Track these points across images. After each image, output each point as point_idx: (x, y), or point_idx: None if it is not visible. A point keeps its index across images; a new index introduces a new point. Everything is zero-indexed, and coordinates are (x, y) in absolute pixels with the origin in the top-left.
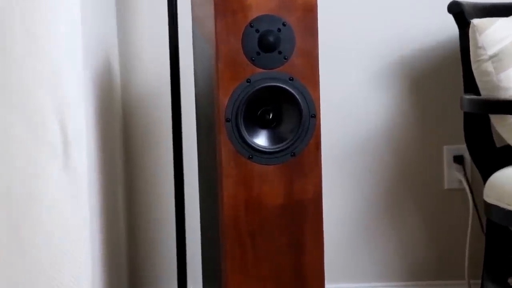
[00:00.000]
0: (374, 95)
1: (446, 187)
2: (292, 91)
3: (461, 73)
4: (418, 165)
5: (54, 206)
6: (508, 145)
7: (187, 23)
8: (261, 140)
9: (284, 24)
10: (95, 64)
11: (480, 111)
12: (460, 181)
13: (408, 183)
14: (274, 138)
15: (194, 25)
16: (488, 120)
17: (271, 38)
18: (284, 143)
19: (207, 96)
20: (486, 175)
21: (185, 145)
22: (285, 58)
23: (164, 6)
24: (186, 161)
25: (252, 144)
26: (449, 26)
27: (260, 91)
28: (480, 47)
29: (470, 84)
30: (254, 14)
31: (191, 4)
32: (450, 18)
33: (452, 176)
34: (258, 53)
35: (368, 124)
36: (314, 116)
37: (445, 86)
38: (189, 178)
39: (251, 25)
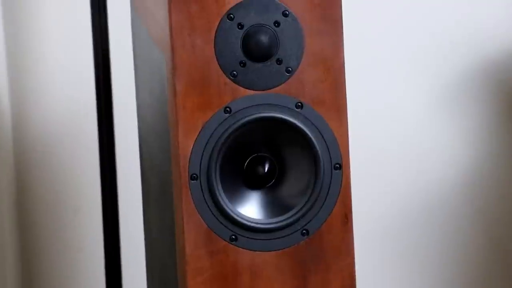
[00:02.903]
0: (443, 126)
1: None
2: (301, 126)
3: None
4: None
5: None
6: None
7: (123, 11)
8: (250, 209)
9: (285, 14)
10: None
11: None
12: None
13: (505, 269)
14: (273, 206)
15: (134, 15)
16: None
17: (264, 38)
18: (290, 213)
19: (158, 136)
20: None
21: (123, 217)
22: (288, 71)
23: None
24: (126, 245)
25: (236, 217)
26: None
27: (247, 127)
28: None
29: None
30: None
31: None
32: None
33: None
34: (243, 64)
35: (434, 176)
36: (340, 167)
37: None
38: (130, 273)
39: (229, 16)
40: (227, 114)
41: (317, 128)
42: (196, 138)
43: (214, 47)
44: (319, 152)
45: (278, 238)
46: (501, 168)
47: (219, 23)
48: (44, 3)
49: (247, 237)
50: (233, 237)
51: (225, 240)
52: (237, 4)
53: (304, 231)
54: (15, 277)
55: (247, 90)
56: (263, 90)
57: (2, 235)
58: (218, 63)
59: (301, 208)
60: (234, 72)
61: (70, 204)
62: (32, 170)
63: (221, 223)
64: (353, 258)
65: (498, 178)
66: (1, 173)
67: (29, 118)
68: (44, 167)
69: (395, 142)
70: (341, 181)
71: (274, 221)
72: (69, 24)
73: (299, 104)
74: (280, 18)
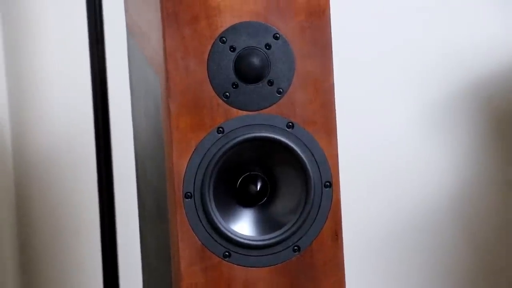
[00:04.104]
0: (431, 145)
1: None
2: (292, 145)
3: None
4: (508, 251)
5: None
6: None
7: (119, 36)
8: (243, 226)
9: (276, 37)
10: None
11: None
12: None
13: (494, 281)
14: (265, 223)
15: (130, 39)
16: None
17: (255, 60)
18: (282, 230)
19: (153, 156)
20: None
21: (120, 235)
22: (279, 92)
23: (79, 8)
24: (123, 262)
25: (229, 234)
26: None
27: (240, 146)
28: None
29: None
30: (227, 21)
31: (124, 6)
32: None
33: None
34: (235, 85)
35: (423, 193)
36: (330, 185)
37: None
38: (127, 287)
39: (222, 39)
40: (220, 134)
41: (308, 148)
42: (190, 158)
43: (207, 69)
44: (310, 170)
45: (270, 254)
46: (487, 181)
47: (212, 46)
48: (44, 22)
49: (240, 254)
50: (227, 253)
51: (218, 256)
52: (229, 28)
53: (295, 248)
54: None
55: (239, 111)
56: (255, 111)
57: (1, 242)
58: (211, 85)
59: (292, 225)
60: (227, 94)
61: (68, 222)
62: (34, 199)
63: (214, 240)
64: (344, 274)
65: (485, 191)
66: (1, 181)
67: (30, 141)
68: (42, 178)
69: (384, 160)
70: (331, 198)
71: (266, 238)
72: (68, 46)
73: (290, 124)
74: (271, 41)
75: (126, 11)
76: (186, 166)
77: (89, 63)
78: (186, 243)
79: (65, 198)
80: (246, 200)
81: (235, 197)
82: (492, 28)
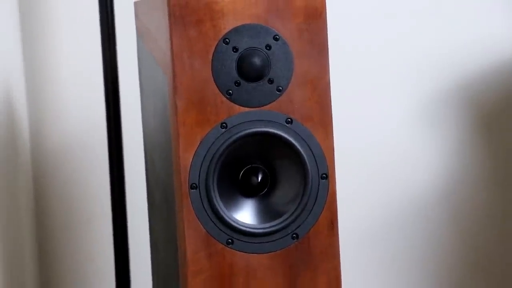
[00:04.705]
0: (421, 140)
1: None
2: (291, 139)
3: None
4: (495, 245)
5: None
6: None
7: (130, 38)
8: (245, 215)
9: (276, 38)
10: None
11: None
12: None
13: (483, 275)
14: (266, 212)
15: (139, 41)
16: None
17: (256, 60)
18: (281, 219)
19: (161, 149)
20: None
21: (131, 223)
22: (278, 90)
23: (92, 13)
24: (133, 249)
25: (232, 222)
26: None
27: (242, 141)
28: None
29: None
30: (229, 23)
31: (135, 11)
32: None
33: None
34: (238, 83)
35: (414, 185)
36: (326, 176)
37: None
38: (138, 275)
39: (225, 40)
40: (224, 129)
41: (306, 142)
42: (195, 151)
43: (212, 69)
44: (307, 163)
45: (271, 241)
46: (474, 174)
47: (216, 46)
48: (60, 26)
49: (243, 241)
50: (230, 241)
51: (222, 243)
52: (232, 29)
53: (294, 235)
54: (33, 277)
55: (241, 107)
56: (256, 107)
57: (20, 236)
58: (215, 83)
59: (291, 214)
60: (230, 91)
61: (82, 213)
62: (50, 186)
63: (218, 228)
64: (339, 260)
65: (472, 183)
66: (20, 177)
67: (46, 132)
68: (59, 174)
69: (378, 154)
70: (328, 189)
71: (266, 226)
72: (82, 48)
73: (289, 120)
74: (271, 42)
75: (136, 15)
76: (191, 159)
77: (101, 64)
78: (192, 231)
79: (78, 190)
80: (248, 191)
81: (238, 188)
82: (479, 31)
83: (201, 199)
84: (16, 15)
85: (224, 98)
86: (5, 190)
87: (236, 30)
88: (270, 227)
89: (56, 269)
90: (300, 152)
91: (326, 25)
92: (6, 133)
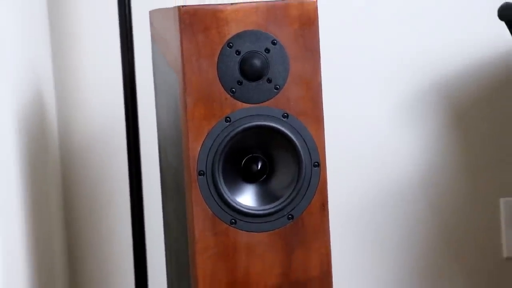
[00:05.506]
0: (402, 133)
1: (505, 255)
2: (287, 132)
3: None
4: (466, 226)
5: None
6: None
7: (146, 43)
8: (247, 199)
9: (274, 43)
10: (21, 102)
11: None
12: None
13: (455, 252)
14: (265, 195)
15: (154, 45)
16: None
17: (256, 62)
18: (278, 202)
19: (173, 141)
20: None
21: (147, 206)
22: (276, 88)
23: (112, 22)
24: (149, 228)
25: (235, 205)
26: (504, 37)
27: (244, 133)
28: None
29: None
30: (233, 30)
31: (150, 19)
32: (503, 28)
33: None
34: (240, 82)
35: (396, 173)
36: (318, 165)
37: (499, 117)
38: (153, 251)
39: (229, 44)
40: (228, 123)
41: (300, 134)
42: (203, 142)
43: (217, 70)
44: (301, 153)
45: (269, 221)
46: (450, 167)
47: (221, 50)
48: (84, 33)
49: (244, 221)
50: (233, 221)
51: (226, 223)
52: (235, 35)
53: (289, 216)
54: (63, 267)
55: (243, 103)
56: (256, 104)
57: (50, 228)
58: (220, 82)
59: (287, 198)
60: (233, 89)
61: (103, 198)
62: (76, 174)
63: (223, 210)
64: (329, 238)
65: (448, 171)
66: (50, 172)
67: (72, 126)
68: (84, 160)
69: (364, 146)
70: (319, 176)
71: (266, 208)
72: (104, 56)
73: (285, 114)
74: (270, 46)
75: (151, 23)
76: (199, 149)
77: (120, 67)
78: (199, 213)
79: (101, 178)
80: (249, 177)
81: (240, 174)
82: (454, 36)
83: (208, 185)
84: (46, 26)
85: (228, 95)
86: (36, 184)
87: (239, 36)
88: (269, 209)
89: (80, 244)
90: (295, 143)
91: (318, 31)
92: (37, 132)
